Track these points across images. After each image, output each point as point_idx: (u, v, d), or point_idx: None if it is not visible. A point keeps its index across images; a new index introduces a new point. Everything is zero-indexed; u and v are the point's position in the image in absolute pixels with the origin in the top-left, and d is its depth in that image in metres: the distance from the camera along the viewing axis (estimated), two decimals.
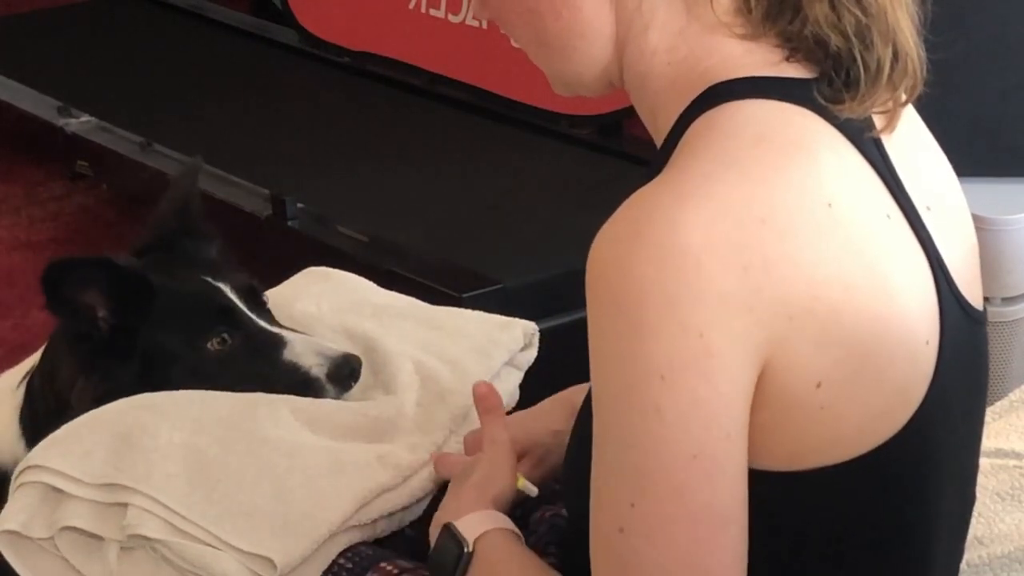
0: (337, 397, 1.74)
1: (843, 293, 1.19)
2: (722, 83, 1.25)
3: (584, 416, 1.33)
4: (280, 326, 1.81)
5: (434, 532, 1.50)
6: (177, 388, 1.70)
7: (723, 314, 1.15)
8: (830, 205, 1.20)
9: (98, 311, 1.73)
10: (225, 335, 1.74)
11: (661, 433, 1.16)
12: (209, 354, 1.74)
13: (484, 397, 1.63)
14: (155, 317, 1.74)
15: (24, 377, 1.82)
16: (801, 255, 1.18)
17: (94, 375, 1.72)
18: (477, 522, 1.46)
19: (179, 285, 1.78)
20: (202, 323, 1.75)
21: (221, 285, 1.79)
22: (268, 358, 1.75)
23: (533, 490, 1.59)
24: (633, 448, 1.18)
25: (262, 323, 1.78)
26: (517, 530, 1.48)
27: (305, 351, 1.75)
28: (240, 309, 1.77)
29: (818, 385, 1.20)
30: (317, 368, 1.73)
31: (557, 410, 1.67)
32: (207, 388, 1.70)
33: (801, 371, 1.19)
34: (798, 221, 1.19)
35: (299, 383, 1.73)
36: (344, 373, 1.74)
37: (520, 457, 1.62)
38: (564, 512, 1.58)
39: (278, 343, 1.76)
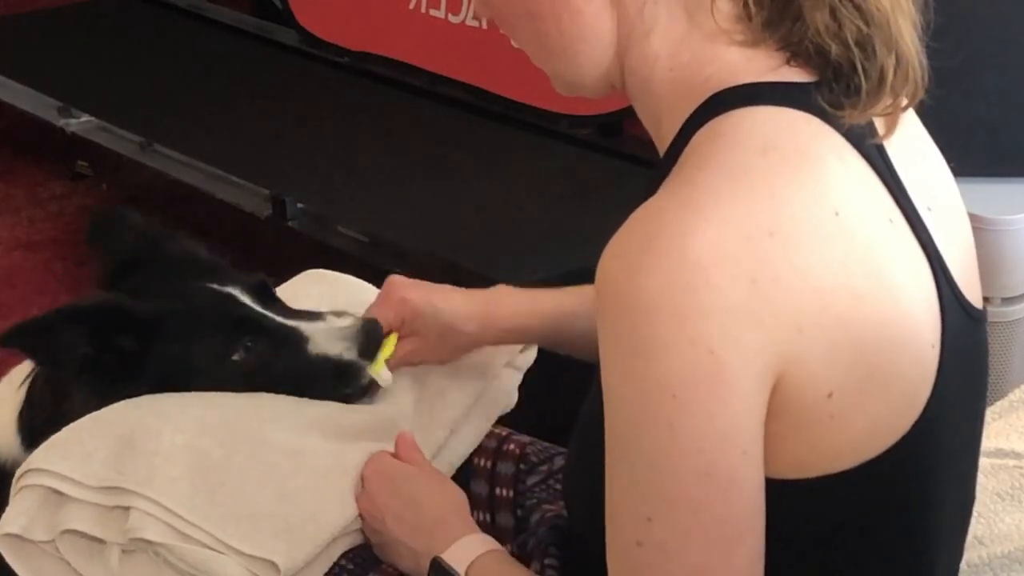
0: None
1: (851, 302, 1.19)
2: (725, 90, 1.24)
3: (585, 425, 1.33)
4: (295, 315, 1.73)
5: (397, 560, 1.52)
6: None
7: (733, 329, 1.14)
8: (837, 214, 1.20)
9: (94, 351, 1.63)
10: (248, 343, 1.66)
11: (675, 450, 1.16)
12: (235, 366, 1.66)
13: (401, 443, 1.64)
14: (168, 337, 1.65)
15: (27, 377, 1.81)
16: (809, 267, 1.17)
17: (102, 399, 1.63)
18: (464, 550, 1.47)
19: (186, 300, 1.68)
20: (222, 336, 1.66)
21: (230, 290, 1.70)
22: (295, 357, 1.68)
23: (388, 380, 1.67)
24: (648, 464, 1.17)
25: (280, 320, 1.70)
26: (501, 547, 1.49)
27: (328, 339, 1.68)
28: (256, 312, 1.69)
29: (829, 395, 1.19)
30: (347, 352, 1.68)
31: (457, 295, 1.73)
32: None
33: (812, 383, 1.18)
34: (806, 232, 1.18)
35: (334, 371, 1.68)
36: (373, 343, 1.68)
37: (398, 327, 1.69)
38: (564, 512, 1.58)
39: (300, 339, 1.68)
